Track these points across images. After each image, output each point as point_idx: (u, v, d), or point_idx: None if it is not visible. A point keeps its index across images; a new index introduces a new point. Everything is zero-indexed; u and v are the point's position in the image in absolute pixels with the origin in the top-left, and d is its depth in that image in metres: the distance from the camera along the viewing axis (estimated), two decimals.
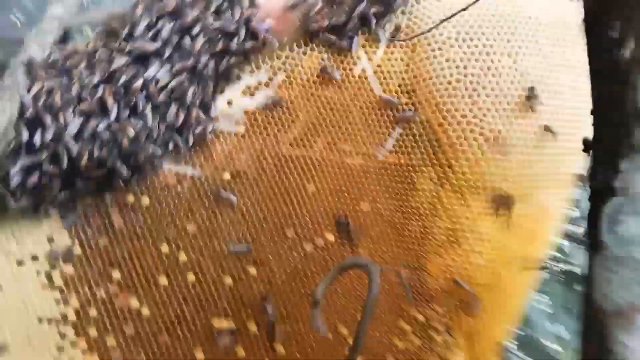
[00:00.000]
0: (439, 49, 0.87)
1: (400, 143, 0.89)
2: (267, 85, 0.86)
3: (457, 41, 0.87)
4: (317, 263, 0.86)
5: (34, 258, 0.79)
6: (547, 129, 0.87)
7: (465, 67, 0.86)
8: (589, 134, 0.48)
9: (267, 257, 0.84)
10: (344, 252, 0.86)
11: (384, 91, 0.89)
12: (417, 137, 0.88)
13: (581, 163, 0.91)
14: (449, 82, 0.86)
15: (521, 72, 0.87)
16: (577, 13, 0.93)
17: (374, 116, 0.89)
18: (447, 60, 0.86)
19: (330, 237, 0.86)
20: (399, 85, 0.90)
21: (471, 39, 0.87)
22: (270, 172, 0.85)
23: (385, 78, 0.89)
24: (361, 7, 0.87)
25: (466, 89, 0.86)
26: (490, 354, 0.90)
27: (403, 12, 0.89)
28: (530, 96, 0.86)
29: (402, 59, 0.90)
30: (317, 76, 0.88)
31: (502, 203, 0.87)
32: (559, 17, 0.91)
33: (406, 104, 0.88)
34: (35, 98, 0.78)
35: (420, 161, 0.88)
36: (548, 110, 0.88)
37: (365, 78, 0.89)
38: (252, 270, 0.83)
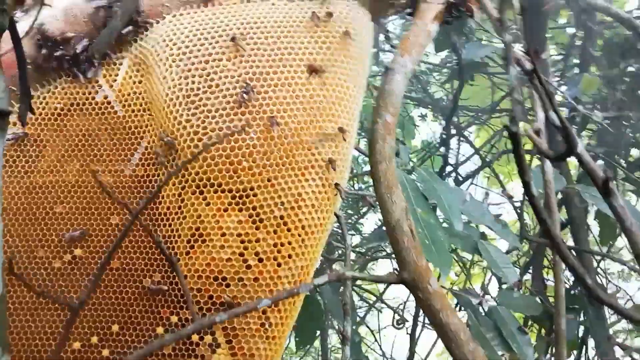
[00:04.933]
0: (164, 65, 0.95)
1: (146, 156, 0.96)
2: (14, 124, 0.95)
3: (178, 56, 0.95)
4: (66, 277, 0.91)
5: None
6: (271, 120, 0.91)
7: (186, 78, 0.93)
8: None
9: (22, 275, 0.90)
10: (93, 265, 0.92)
11: (127, 112, 0.97)
12: (159, 148, 0.94)
13: (323, 148, 0.94)
14: (174, 93, 0.93)
15: (240, 72, 0.93)
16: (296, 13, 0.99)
17: (120, 136, 0.97)
18: (171, 74, 0.94)
19: (79, 252, 0.92)
20: (140, 105, 0.98)
21: (191, 52, 0.94)
22: (18, 199, 0.93)
23: (127, 100, 0.98)
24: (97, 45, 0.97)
25: (187, 96, 0.92)
26: (253, 347, 0.89)
27: (135, 41, 0.99)
28: (247, 91, 0.91)
29: (140, 81, 0.98)
30: (63, 109, 0.97)
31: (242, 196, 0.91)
32: (277, 19, 0.97)
33: (148, 119, 0.96)
34: None
35: (164, 169, 0.94)
36: (271, 102, 0.92)
37: (109, 103, 0.98)
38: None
